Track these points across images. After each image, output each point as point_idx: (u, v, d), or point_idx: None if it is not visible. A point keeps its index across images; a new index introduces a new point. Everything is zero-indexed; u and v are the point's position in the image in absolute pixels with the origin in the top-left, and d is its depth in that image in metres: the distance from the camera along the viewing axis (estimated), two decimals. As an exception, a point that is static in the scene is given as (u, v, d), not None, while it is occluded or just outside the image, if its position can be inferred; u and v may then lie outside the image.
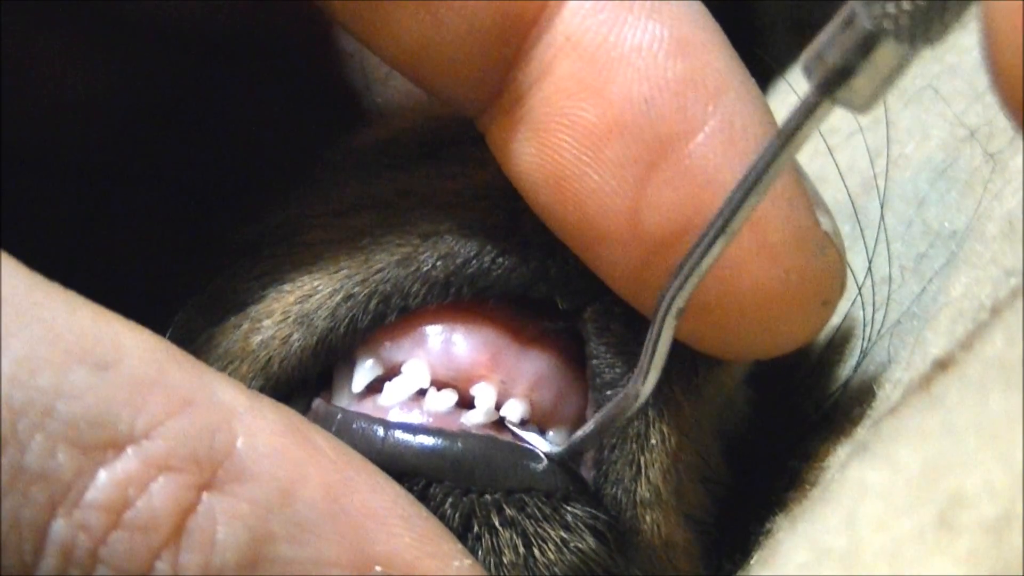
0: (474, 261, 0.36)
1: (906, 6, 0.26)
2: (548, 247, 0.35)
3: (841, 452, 0.36)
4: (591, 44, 0.33)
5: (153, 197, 0.44)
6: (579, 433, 0.35)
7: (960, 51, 0.44)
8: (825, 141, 0.45)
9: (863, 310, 0.40)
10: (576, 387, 0.36)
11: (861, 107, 0.28)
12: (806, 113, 0.29)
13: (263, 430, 0.30)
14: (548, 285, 0.36)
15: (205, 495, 0.29)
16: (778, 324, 0.34)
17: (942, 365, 0.29)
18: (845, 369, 0.40)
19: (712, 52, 0.33)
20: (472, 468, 0.34)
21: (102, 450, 0.28)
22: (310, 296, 0.36)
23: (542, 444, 0.35)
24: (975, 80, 0.42)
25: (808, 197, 0.34)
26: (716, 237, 0.31)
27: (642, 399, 0.33)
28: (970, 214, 0.37)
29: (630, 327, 0.35)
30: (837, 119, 0.48)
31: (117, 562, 0.28)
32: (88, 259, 0.43)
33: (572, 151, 0.34)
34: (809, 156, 0.46)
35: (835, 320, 0.41)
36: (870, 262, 0.41)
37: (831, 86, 0.28)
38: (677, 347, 0.35)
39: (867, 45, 0.27)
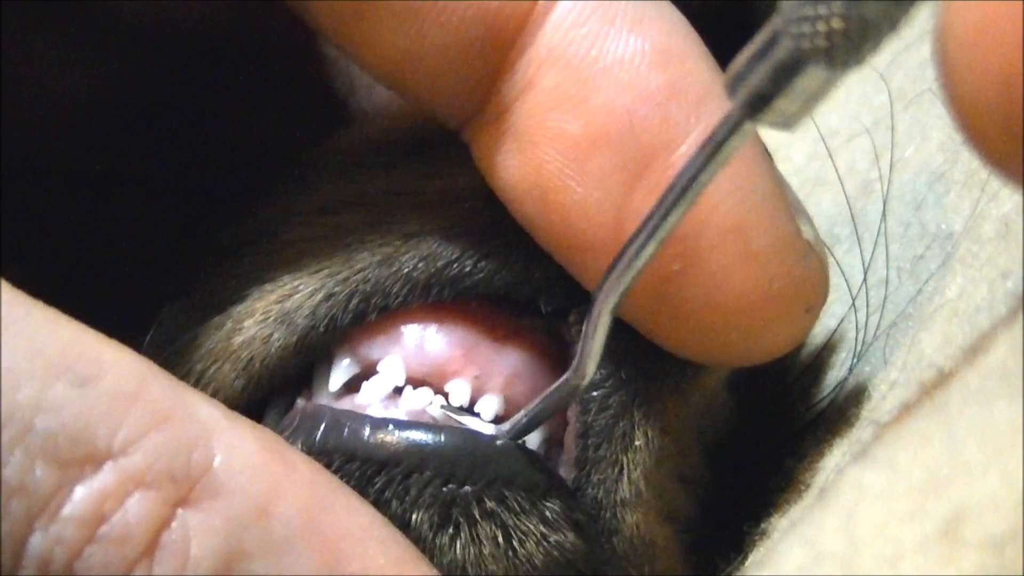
0: (455, 264, 0.36)
1: (826, 29, 0.26)
2: (531, 250, 0.36)
3: (837, 452, 0.36)
4: (574, 57, 0.33)
5: (137, 198, 0.44)
6: (519, 415, 0.35)
7: (959, 54, 0.44)
8: (826, 144, 0.45)
9: (855, 314, 0.40)
10: (551, 382, 0.36)
11: (785, 126, 0.28)
12: (730, 131, 0.29)
13: (240, 448, 0.30)
14: (532, 288, 0.36)
15: (180, 511, 0.29)
16: (762, 331, 0.34)
17: (943, 372, 0.29)
18: (840, 370, 0.40)
19: (693, 63, 0.33)
20: (454, 460, 0.34)
21: (79, 465, 0.28)
22: (291, 295, 0.36)
23: (483, 429, 0.35)
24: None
25: (790, 206, 0.34)
26: (644, 243, 0.31)
27: (580, 391, 0.34)
28: (967, 216, 0.37)
29: (614, 329, 0.35)
30: (837, 121, 0.48)
31: (91, 574, 0.28)
32: (72, 259, 0.43)
33: (556, 163, 0.34)
34: (808, 158, 0.46)
35: (831, 322, 0.41)
36: (866, 267, 0.41)
37: (754, 107, 0.28)
38: (665, 352, 0.35)
39: (790, 68, 0.27)
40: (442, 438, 0.34)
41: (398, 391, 0.36)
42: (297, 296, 0.36)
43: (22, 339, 0.29)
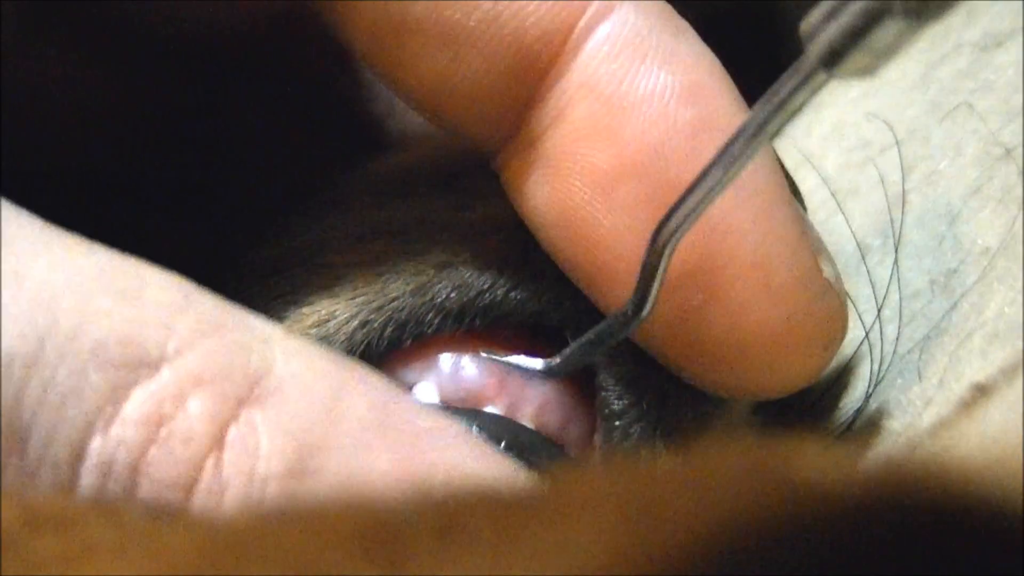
0: (487, 293, 0.37)
1: None
2: (561, 280, 0.36)
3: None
4: (605, 90, 0.34)
5: (167, 213, 0.44)
6: (571, 348, 0.35)
7: (996, 68, 0.44)
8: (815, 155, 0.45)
9: (880, 327, 0.40)
10: (581, 411, 0.37)
11: (857, 77, 0.27)
12: (800, 82, 0.28)
13: (301, 353, 0.29)
14: (560, 316, 0.37)
15: (244, 409, 0.28)
16: (780, 365, 0.35)
17: (983, 390, 0.29)
18: (868, 385, 0.40)
19: (721, 99, 0.34)
20: (496, 442, 0.34)
21: (134, 368, 0.28)
22: (327, 321, 0.37)
23: (535, 364, 0.36)
24: (1011, 98, 0.42)
25: (812, 245, 0.35)
26: (707, 194, 0.31)
27: (633, 326, 0.34)
28: (1003, 233, 0.37)
29: (638, 360, 0.36)
30: (871, 132, 0.48)
31: (159, 475, 0.27)
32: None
33: (584, 193, 0.34)
34: (840, 168, 0.46)
35: (860, 332, 0.41)
36: (892, 280, 0.41)
37: (829, 60, 0.27)
38: (686, 382, 0.36)
39: (868, 21, 0.26)
40: (482, 424, 0.35)
41: None
42: (334, 322, 0.37)
43: (59, 257, 0.28)
